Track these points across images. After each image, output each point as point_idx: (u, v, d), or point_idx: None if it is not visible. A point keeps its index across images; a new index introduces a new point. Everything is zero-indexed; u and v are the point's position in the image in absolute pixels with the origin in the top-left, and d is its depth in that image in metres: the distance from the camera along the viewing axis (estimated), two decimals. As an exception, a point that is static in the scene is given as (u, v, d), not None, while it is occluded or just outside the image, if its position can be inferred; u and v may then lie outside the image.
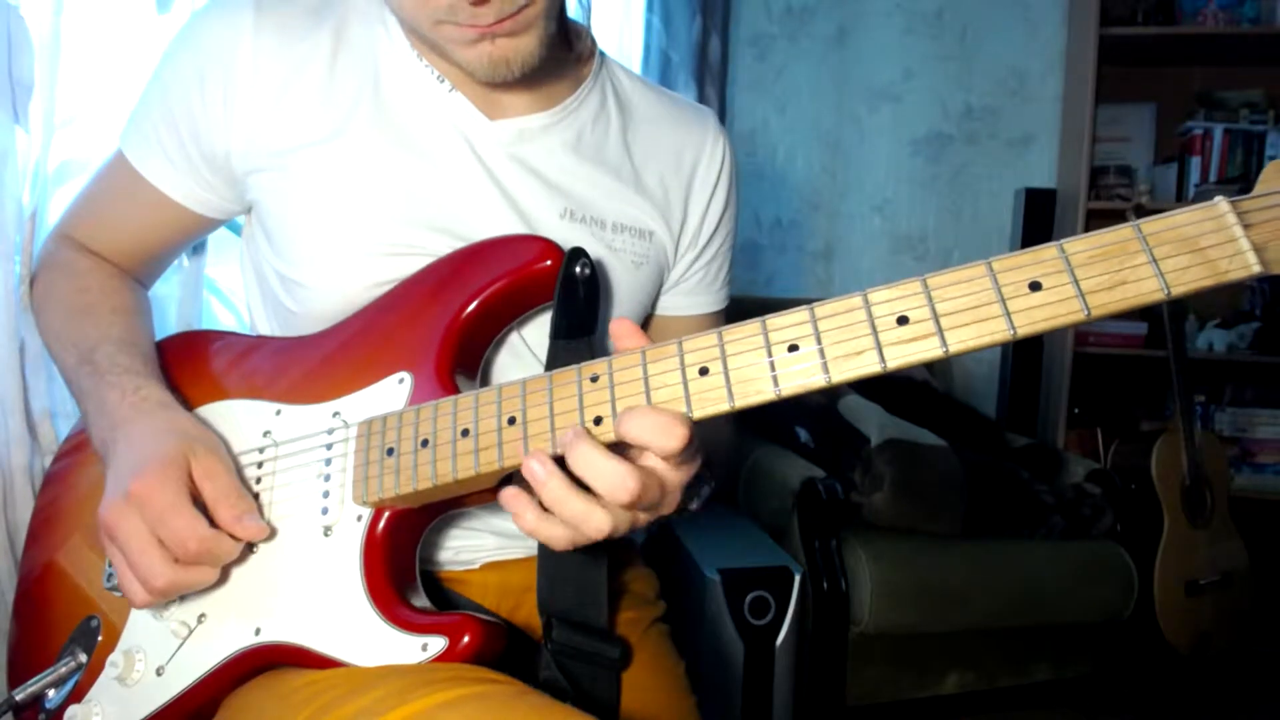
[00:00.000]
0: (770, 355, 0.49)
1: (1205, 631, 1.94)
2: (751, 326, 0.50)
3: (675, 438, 0.49)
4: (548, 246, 0.65)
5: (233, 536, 0.61)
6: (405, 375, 0.64)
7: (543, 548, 0.68)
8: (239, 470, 0.66)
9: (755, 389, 0.49)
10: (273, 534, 0.64)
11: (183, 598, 0.65)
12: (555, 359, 0.67)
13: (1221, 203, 0.43)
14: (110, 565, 0.69)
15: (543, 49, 0.64)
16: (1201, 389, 2.60)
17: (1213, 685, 2.00)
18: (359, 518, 0.61)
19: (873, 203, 2.68)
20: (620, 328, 0.55)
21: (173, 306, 1.11)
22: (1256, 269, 0.41)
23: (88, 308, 0.74)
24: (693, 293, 0.84)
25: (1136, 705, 1.95)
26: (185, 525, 0.58)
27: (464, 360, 0.65)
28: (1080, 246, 0.44)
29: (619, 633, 0.76)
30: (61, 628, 0.71)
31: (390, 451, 0.60)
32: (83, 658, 0.68)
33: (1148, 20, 2.42)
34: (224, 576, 0.65)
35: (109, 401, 0.66)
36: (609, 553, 0.68)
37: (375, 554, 0.60)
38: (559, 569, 0.67)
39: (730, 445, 0.84)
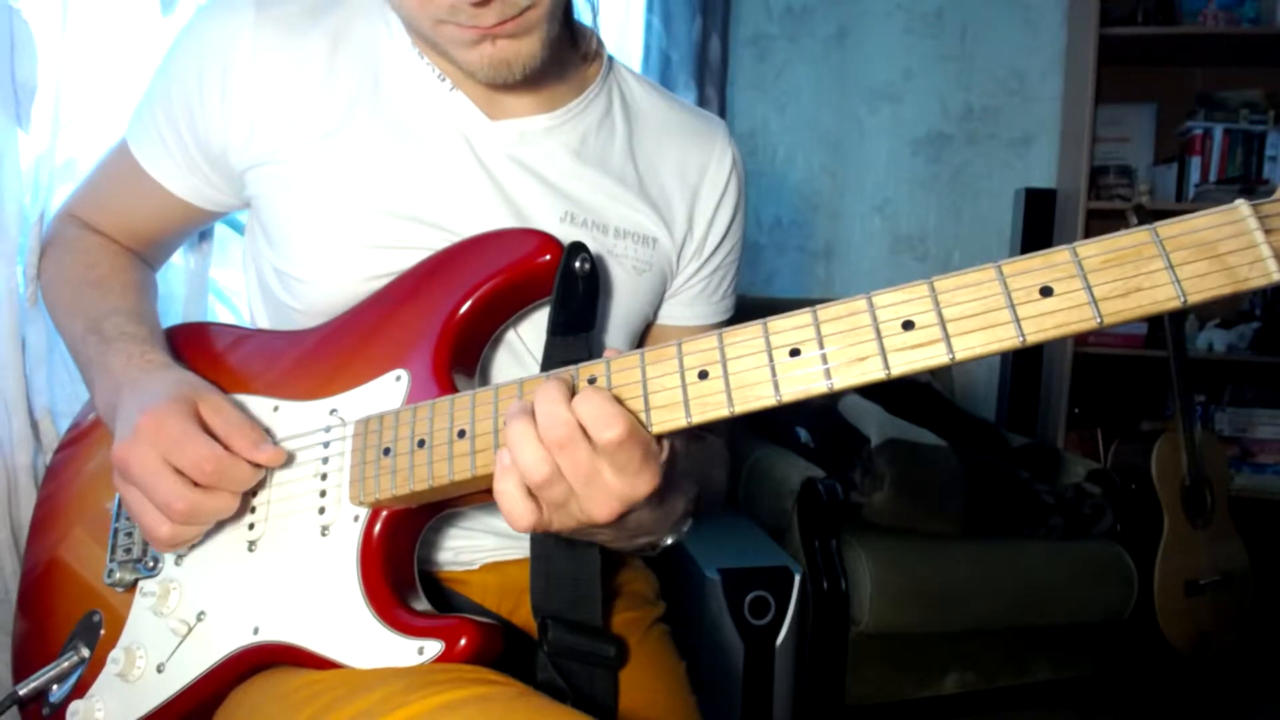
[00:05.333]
0: (771, 359, 0.47)
1: (1205, 631, 1.94)
2: (752, 329, 0.48)
3: (610, 429, 0.48)
4: (546, 241, 0.65)
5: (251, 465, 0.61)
6: (402, 373, 0.64)
7: (535, 548, 0.68)
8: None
9: (755, 394, 0.48)
10: (262, 531, 0.64)
11: (184, 594, 0.66)
12: (552, 355, 0.66)
13: (1242, 206, 0.41)
14: (111, 558, 0.69)
15: (545, 51, 0.64)
16: (1201, 389, 2.59)
17: (1213, 685, 1.99)
18: (356, 518, 0.61)
19: (873, 203, 2.68)
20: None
21: (177, 307, 1.11)
22: (1278, 276, 0.39)
23: (98, 281, 0.76)
24: (693, 303, 0.83)
25: (1136, 705, 1.95)
26: (200, 447, 0.59)
27: (462, 357, 0.65)
28: (1094, 250, 0.42)
29: (619, 633, 0.76)
30: (65, 622, 0.72)
31: (387, 451, 0.60)
32: (85, 652, 0.69)
33: (1148, 20, 2.42)
34: (224, 575, 0.65)
35: (114, 367, 0.67)
36: (603, 552, 0.68)
37: (372, 555, 0.60)
38: (552, 569, 0.67)
39: (722, 481, 0.82)
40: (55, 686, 0.69)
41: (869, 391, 2.05)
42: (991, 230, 2.66)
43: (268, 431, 0.67)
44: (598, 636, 0.67)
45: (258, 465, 0.62)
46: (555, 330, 0.67)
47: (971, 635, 1.79)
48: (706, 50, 2.21)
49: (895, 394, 2.08)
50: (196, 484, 0.60)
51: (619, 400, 0.50)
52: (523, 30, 0.62)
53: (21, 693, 0.68)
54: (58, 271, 0.80)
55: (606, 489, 0.50)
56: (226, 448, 0.61)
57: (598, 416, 0.48)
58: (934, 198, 2.68)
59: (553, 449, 0.49)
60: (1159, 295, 0.41)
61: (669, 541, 0.63)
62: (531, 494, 0.51)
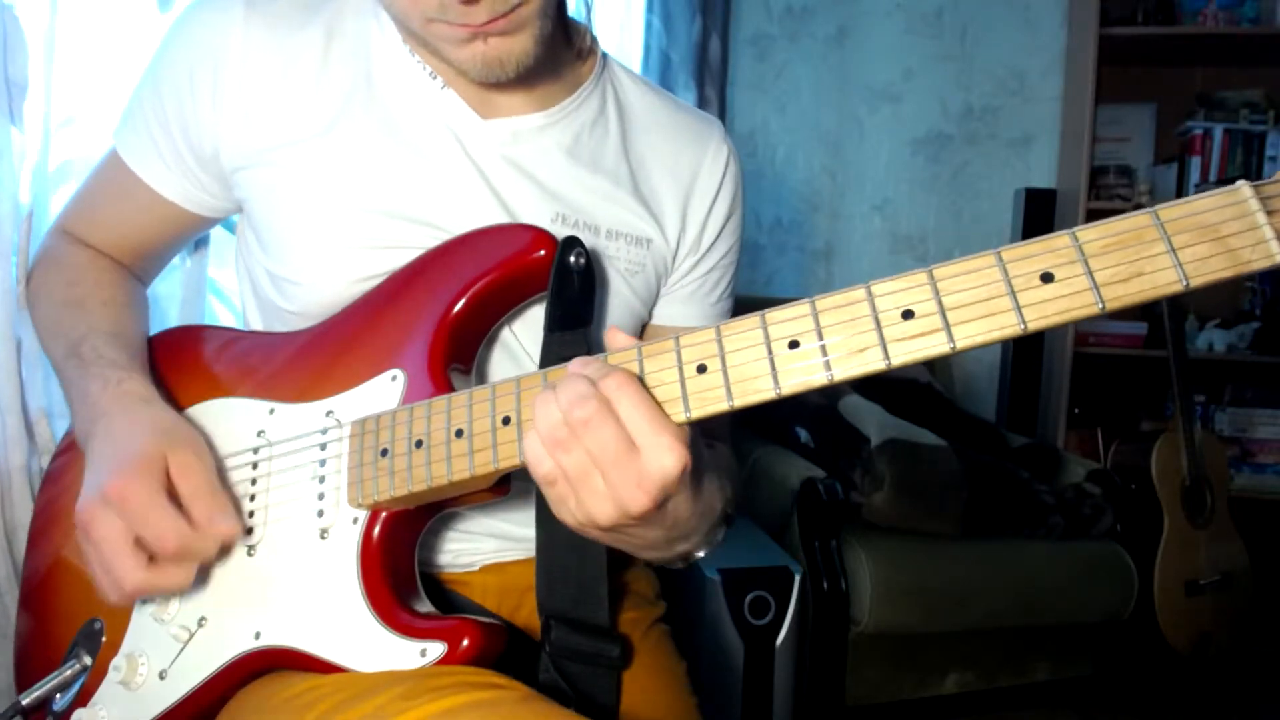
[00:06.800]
0: (770, 352, 0.47)
1: (1205, 631, 1.94)
2: (751, 321, 0.48)
3: (612, 376, 0.47)
4: (540, 236, 0.64)
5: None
6: (398, 372, 0.63)
7: (541, 546, 0.67)
8: (221, 468, 0.65)
9: (755, 387, 0.47)
10: (261, 535, 0.64)
11: (184, 600, 0.65)
12: (549, 352, 0.66)
13: (1244, 187, 0.40)
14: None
15: (538, 48, 0.63)
16: (1201, 389, 2.59)
17: (1213, 685, 1.99)
18: (355, 520, 0.61)
19: (873, 203, 2.68)
20: (612, 339, 0.54)
21: (174, 307, 1.11)
22: None
23: (78, 300, 0.74)
24: (686, 302, 0.82)
25: (1136, 705, 1.95)
26: (164, 522, 0.58)
27: (458, 356, 0.65)
28: (1094, 235, 0.42)
29: (620, 632, 0.76)
30: (66, 630, 0.71)
31: (384, 452, 0.59)
32: (87, 660, 0.68)
33: (1148, 20, 2.42)
34: (224, 580, 0.64)
35: (91, 393, 0.66)
36: (608, 551, 0.68)
37: (372, 557, 0.60)
38: (557, 567, 0.66)
39: (736, 490, 0.81)
40: (58, 695, 0.69)
41: (869, 391, 2.04)
42: (991, 230, 2.66)
43: (261, 445, 0.67)
44: (602, 636, 0.66)
45: (214, 538, 0.61)
46: (552, 326, 0.66)
47: (971, 635, 1.79)
48: (706, 50, 2.21)
49: (895, 394, 2.08)
50: (154, 558, 0.59)
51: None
52: (514, 27, 0.61)
53: (25, 702, 0.68)
54: (42, 290, 0.78)
55: (639, 468, 0.47)
56: (188, 514, 0.59)
57: (595, 369, 0.48)
58: (934, 198, 2.68)
59: (578, 427, 0.47)
60: (1160, 279, 0.40)
61: (702, 554, 0.61)
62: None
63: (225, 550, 0.64)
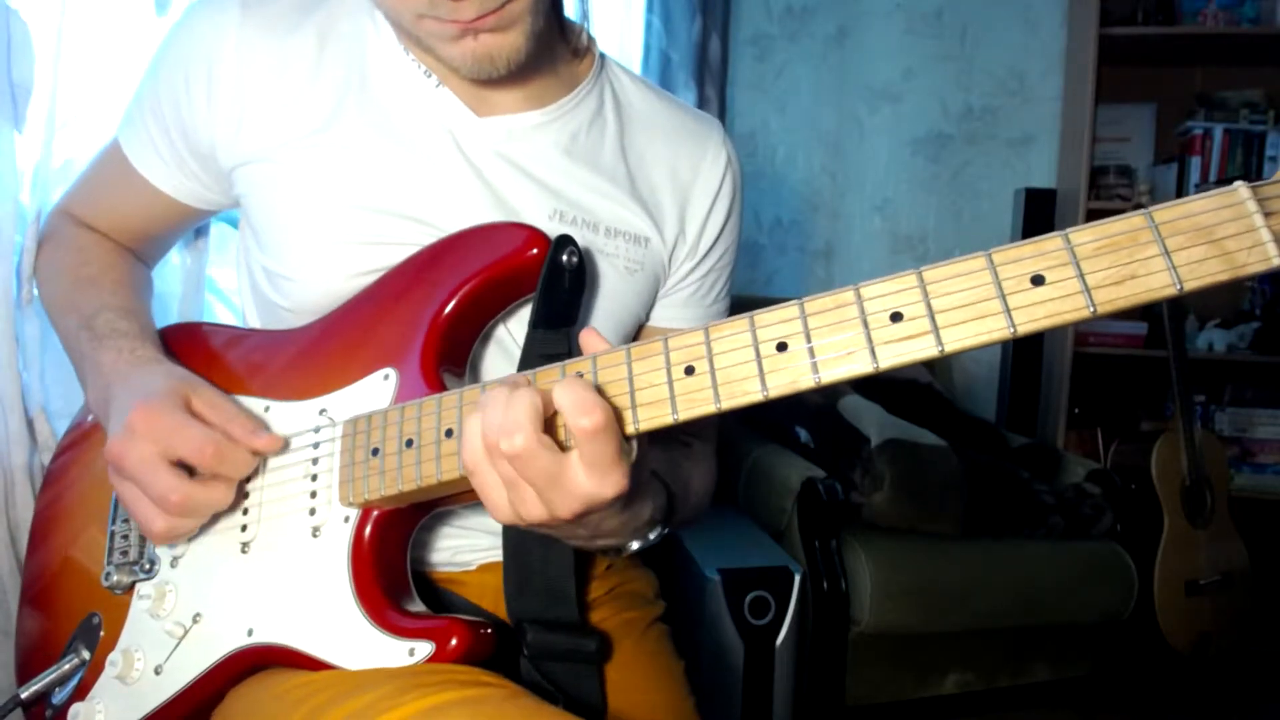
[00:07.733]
0: (758, 354, 0.47)
1: (1205, 631, 1.94)
2: (739, 323, 0.48)
3: (589, 417, 0.47)
4: (533, 235, 0.64)
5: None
6: (390, 371, 0.63)
7: (507, 552, 0.67)
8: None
9: (742, 389, 0.47)
10: (255, 533, 0.64)
11: (179, 597, 0.65)
12: (532, 349, 0.66)
13: (1241, 188, 0.39)
14: (109, 561, 0.69)
15: (529, 45, 0.63)
16: (1201, 389, 2.59)
17: (1213, 685, 1.99)
18: (346, 519, 0.61)
19: (873, 203, 2.68)
20: (589, 343, 0.54)
21: (173, 305, 1.11)
22: (1277, 261, 0.38)
23: (91, 279, 0.76)
24: (685, 305, 0.82)
25: (1136, 705, 1.95)
26: (198, 434, 0.60)
27: (450, 355, 0.65)
28: (1087, 237, 0.41)
29: (617, 632, 0.76)
30: (66, 624, 0.72)
31: (375, 452, 0.59)
32: (86, 655, 0.69)
33: (1148, 20, 2.42)
34: (218, 577, 0.65)
35: (105, 363, 0.68)
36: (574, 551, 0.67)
37: (363, 556, 0.60)
38: (524, 570, 0.67)
39: (705, 491, 0.80)
40: (57, 689, 0.69)
41: (869, 391, 2.04)
42: (991, 230, 2.66)
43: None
44: (576, 632, 0.66)
45: (256, 452, 0.63)
46: (537, 323, 0.66)
47: (971, 635, 1.79)
48: (706, 50, 2.21)
49: (895, 394, 2.08)
50: (193, 474, 0.60)
51: (600, 390, 0.49)
52: (505, 24, 0.61)
53: (24, 695, 0.69)
54: (52, 268, 0.80)
55: (572, 489, 0.49)
56: (228, 435, 0.62)
57: (576, 403, 0.47)
58: (934, 198, 2.68)
59: (512, 460, 0.48)
60: (1154, 283, 0.40)
61: (634, 547, 0.62)
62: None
63: (222, 545, 0.65)
